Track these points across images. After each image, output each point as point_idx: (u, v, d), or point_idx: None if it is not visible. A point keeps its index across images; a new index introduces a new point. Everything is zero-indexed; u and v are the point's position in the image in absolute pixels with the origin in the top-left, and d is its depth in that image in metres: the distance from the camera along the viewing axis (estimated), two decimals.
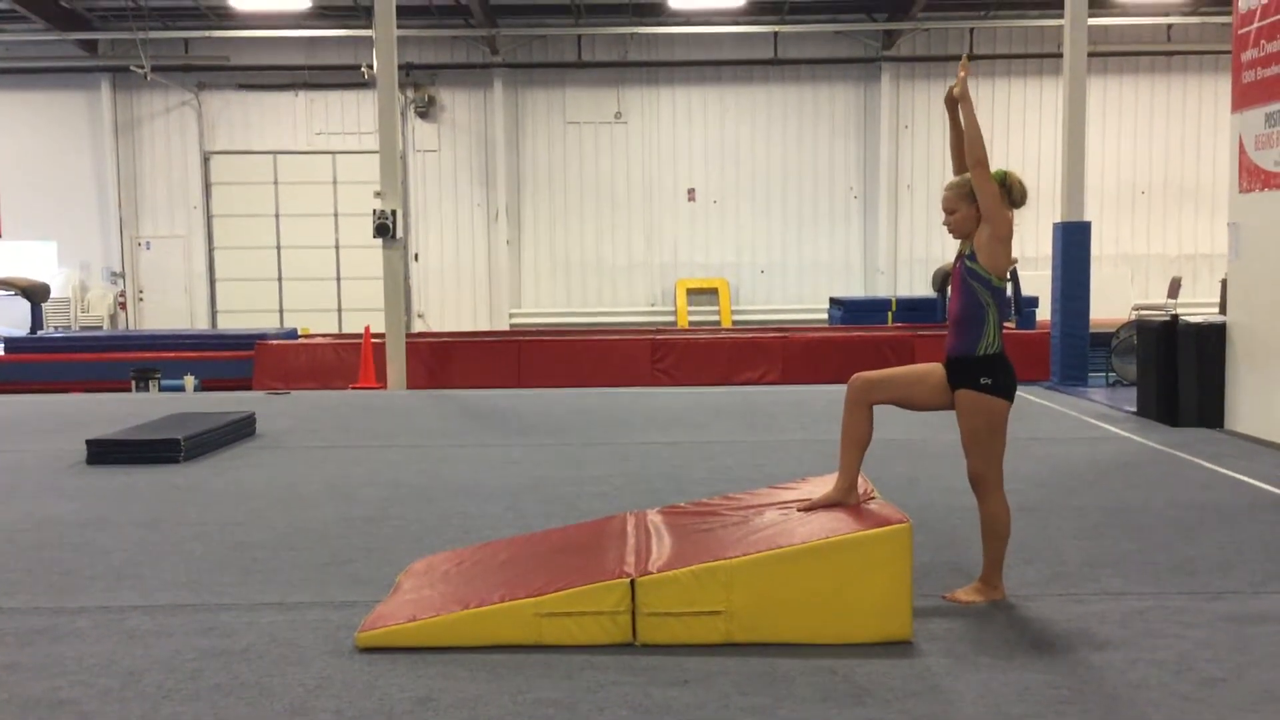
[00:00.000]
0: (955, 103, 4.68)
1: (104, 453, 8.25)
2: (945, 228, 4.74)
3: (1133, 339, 11.70)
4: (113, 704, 3.67)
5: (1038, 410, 10.86)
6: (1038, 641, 4.19)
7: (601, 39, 22.81)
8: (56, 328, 22.04)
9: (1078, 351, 13.04)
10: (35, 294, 19.29)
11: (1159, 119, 22.99)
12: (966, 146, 4.54)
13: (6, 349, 16.82)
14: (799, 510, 4.65)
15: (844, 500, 4.58)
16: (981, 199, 4.51)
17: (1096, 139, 20.83)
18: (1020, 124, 22.95)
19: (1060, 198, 13.36)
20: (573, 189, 23.46)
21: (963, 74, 4.60)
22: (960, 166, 4.71)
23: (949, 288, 4.72)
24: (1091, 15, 13.68)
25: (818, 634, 4.12)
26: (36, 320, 19.42)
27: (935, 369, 4.67)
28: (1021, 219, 22.63)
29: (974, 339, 4.56)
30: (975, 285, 4.56)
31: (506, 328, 22.49)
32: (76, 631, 4.41)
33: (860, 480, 4.95)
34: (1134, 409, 10.44)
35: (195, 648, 4.19)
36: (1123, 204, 22.99)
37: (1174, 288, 20.67)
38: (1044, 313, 16.42)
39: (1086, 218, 13.19)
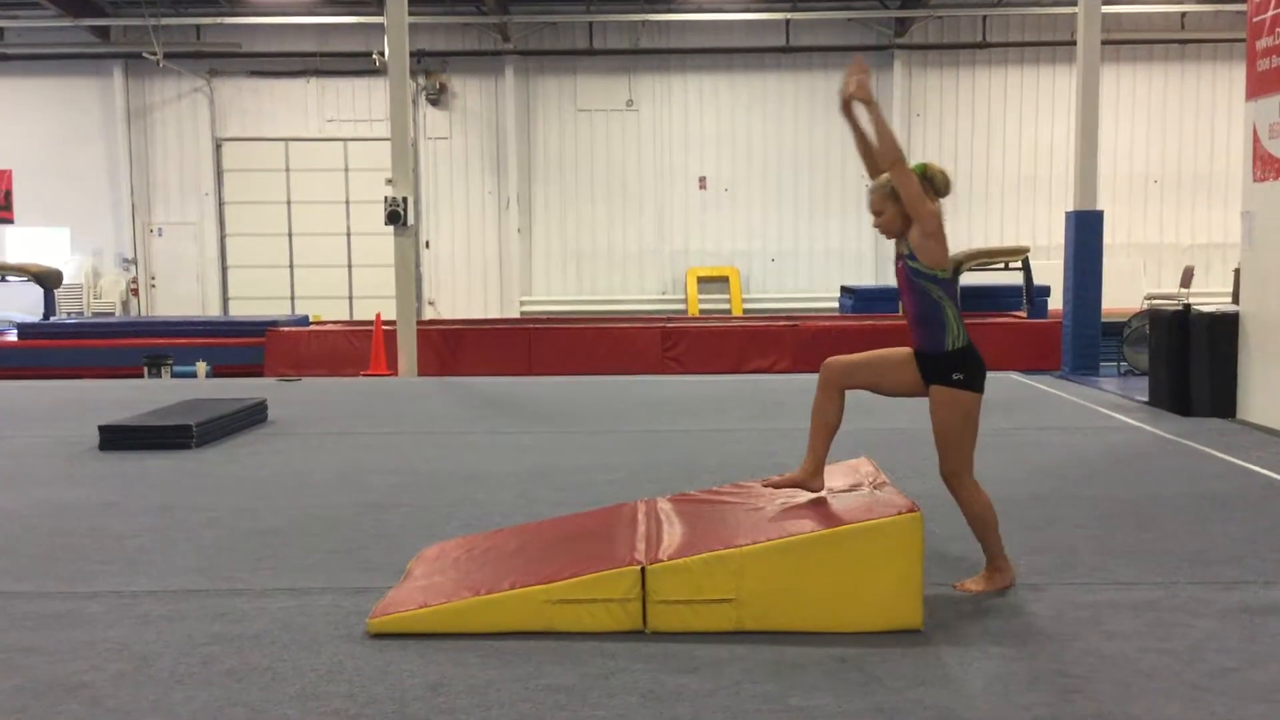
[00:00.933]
0: (851, 107, 4.60)
1: (116, 439, 8.28)
2: (877, 229, 4.64)
3: (1145, 328, 11.67)
4: (126, 688, 3.69)
5: (1049, 399, 10.84)
6: (1048, 630, 4.19)
7: (613, 26, 22.76)
8: (69, 314, 22.11)
9: (1089, 341, 13.02)
10: (48, 280, 19.35)
11: (1172, 107, 22.88)
12: (880, 147, 4.47)
13: (20, 335, 16.88)
14: (761, 485, 4.68)
15: (808, 482, 4.59)
16: (904, 197, 4.42)
17: (1109, 127, 20.74)
18: (1033, 112, 22.86)
19: (1073, 186, 13.33)
20: (584, 177, 23.44)
21: (862, 76, 4.50)
22: (874, 170, 4.63)
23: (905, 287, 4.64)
24: (1105, 3, 13.62)
25: (828, 622, 4.12)
26: (49, 306, 19.48)
27: (910, 356, 4.62)
28: (1034, 208, 22.54)
29: (938, 336, 4.52)
30: (923, 284, 4.50)
31: (517, 315, 22.49)
32: (90, 616, 4.43)
33: (871, 468, 4.95)
34: (1146, 399, 10.41)
35: (207, 633, 4.21)
36: (1135, 193, 22.90)
37: (1187, 277, 20.60)
38: (1056, 302, 16.35)
39: (1099, 206, 13.15)
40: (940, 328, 4.50)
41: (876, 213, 4.56)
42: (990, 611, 4.40)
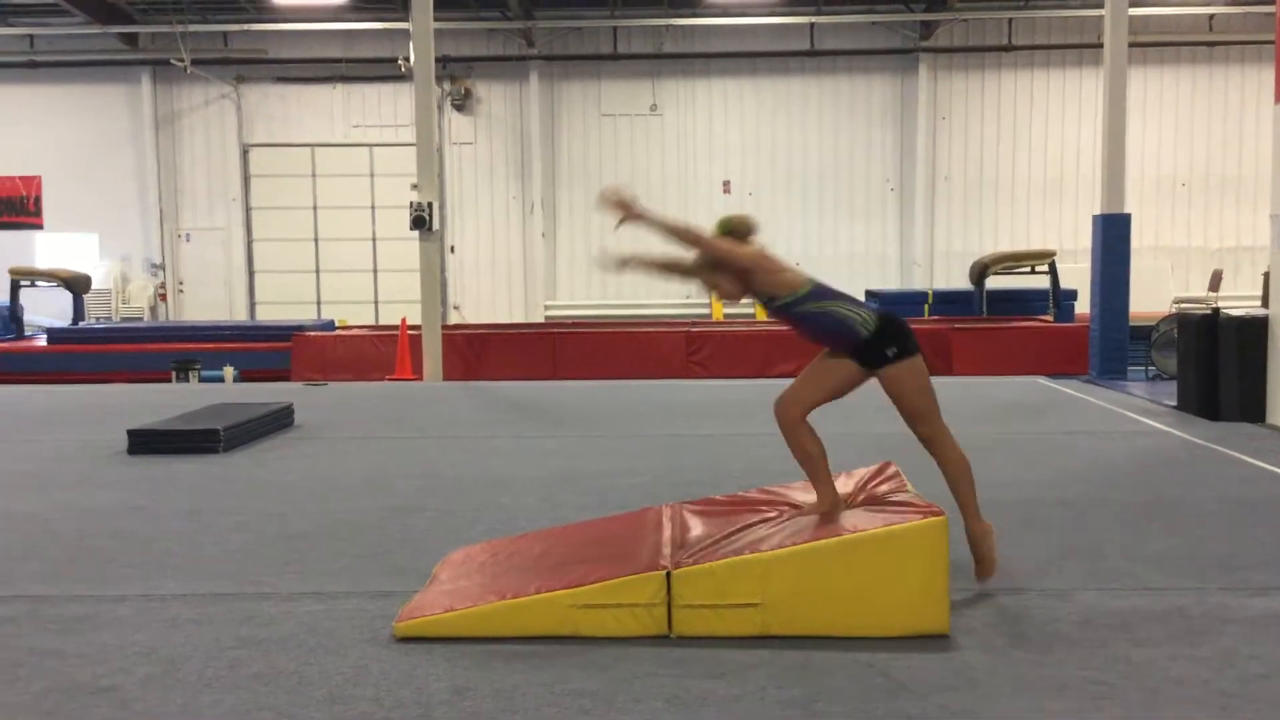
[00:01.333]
0: (624, 261, 4.72)
1: (145, 443, 8.34)
2: (726, 301, 4.71)
3: (1173, 332, 11.59)
4: (154, 691, 3.71)
5: (1076, 404, 10.78)
6: (1076, 636, 4.16)
7: (637, 31, 22.78)
8: (98, 319, 22.29)
9: (1117, 345, 12.94)
10: (77, 285, 19.53)
11: (1200, 110, 22.72)
12: (678, 240, 4.55)
13: (49, 340, 17.03)
14: (795, 516, 4.65)
15: (832, 513, 4.57)
16: (721, 259, 4.53)
17: (1137, 130, 20.59)
18: (1060, 115, 22.73)
19: (1100, 189, 13.25)
20: (608, 181, 23.38)
21: (619, 203, 4.55)
22: (689, 269, 4.68)
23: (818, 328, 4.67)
24: (1132, 5, 13.54)
25: (854, 627, 4.11)
26: (78, 311, 19.66)
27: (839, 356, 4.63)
28: (1060, 211, 22.34)
29: (850, 333, 4.55)
30: (799, 310, 4.57)
31: (541, 320, 22.53)
32: (118, 619, 4.46)
33: (896, 473, 4.93)
34: (1174, 403, 10.34)
35: (235, 636, 4.23)
36: (1163, 196, 22.75)
37: (1215, 281, 20.45)
38: (1083, 306, 16.29)
39: (1126, 210, 13.07)
40: (845, 327, 4.55)
41: (714, 287, 4.64)
42: (1017, 617, 4.38)
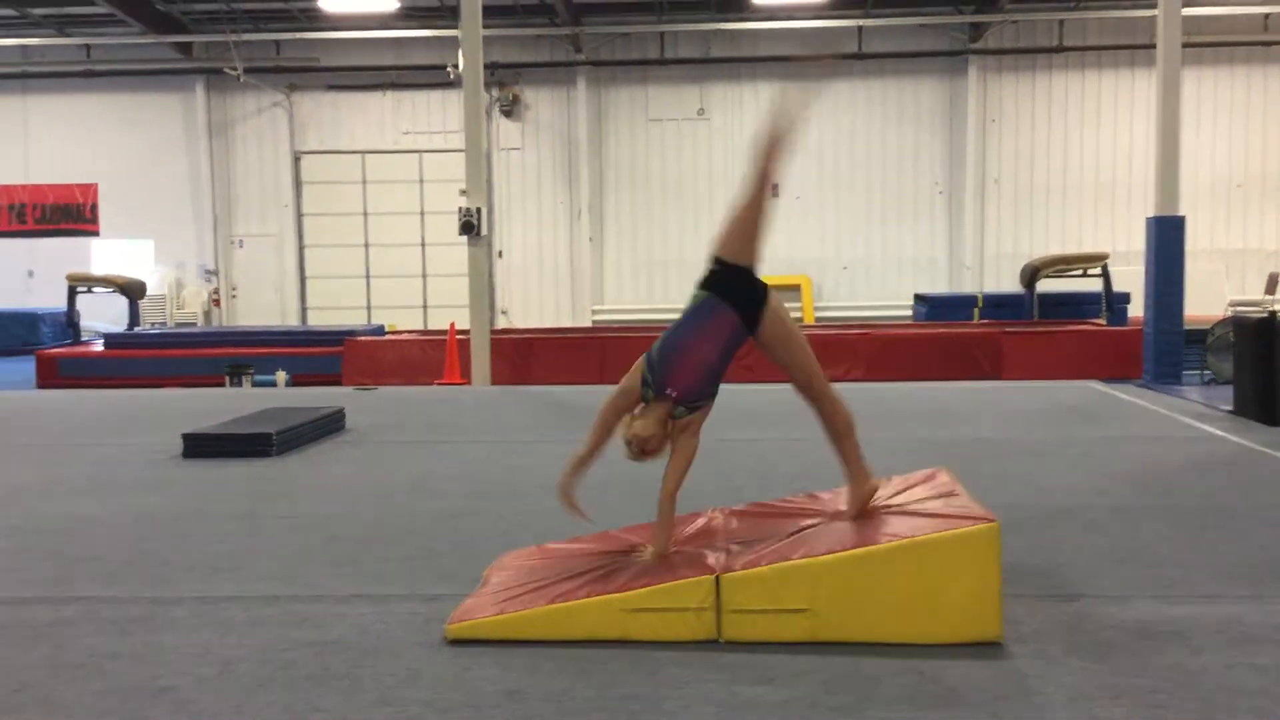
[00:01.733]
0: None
1: (199, 447, 8.44)
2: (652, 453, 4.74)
3: (1229, 336, 11.42)
4: (209, 692, 3.76)
5: (1131, 409, 10.64)
6: (1131, 644, 4.11)
7: (684, 36, 22.80)
8: (153, 324, 22.60)
9: (1172, 349, 12.76)
10: (132, 291, 19.84)
11: (1255, 110, 22.39)
12: (603, 443, 4.75)
13: (106, 345, 17.30)
14: (845, 521, 4.64)
15: (871, 491, 4.59)
16: (619, 407, 4.72)
17: (1190, 131, 20.33)
18: (1111, 116, 22.49)
19: (1153, 191, 13.09)
20: (655, 186, 23.48)
21: (567, 503, 4.68)
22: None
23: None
24: (1185, 5, 13.38)
25: (904, 634, 4.08)
26: (134, 317, 19.96)
27: (772, 331, 4.87)
28: (1113, 213, 22.17)
29: (717, 307, 4.94)
30: (668, 357, 4.76)
31: (589, 324, 22.58)
32: (174, 621, 4.52)
33: (948, 479, 4.89)
34: (1230, 408, 10.18)
35: (289, 638, 4.28)
36: (1218, 198, 22.43)
37: (1272, 283, 20.14)
38: (1137, 309, 16.09)
39: (1180, 212, 12.89)
40: (711, 307, 4.95)
41: (645, 446, 4.71)
42: (1071, 624, 4.33)
